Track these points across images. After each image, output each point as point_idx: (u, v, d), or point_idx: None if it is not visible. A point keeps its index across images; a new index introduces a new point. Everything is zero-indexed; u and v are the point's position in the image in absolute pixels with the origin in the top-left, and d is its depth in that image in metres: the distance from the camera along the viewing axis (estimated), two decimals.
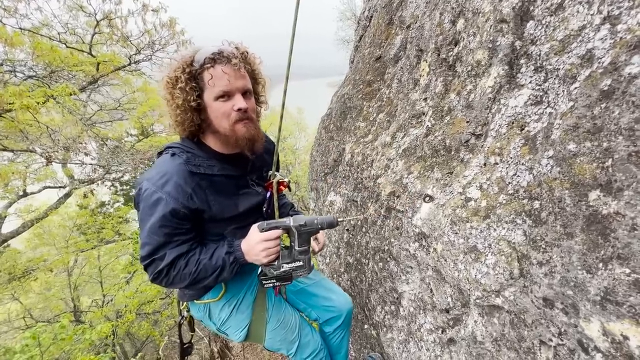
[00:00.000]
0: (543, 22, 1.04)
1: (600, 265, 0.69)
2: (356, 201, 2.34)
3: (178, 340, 1.48)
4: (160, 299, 8.06)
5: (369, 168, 2.15)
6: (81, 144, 5.61)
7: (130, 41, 5.15)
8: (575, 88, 0.84)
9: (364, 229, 2.13)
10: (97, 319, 7.26)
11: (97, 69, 5.06)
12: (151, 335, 8.20)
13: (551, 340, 0.82)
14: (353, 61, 3.78)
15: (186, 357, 1.48)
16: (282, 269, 1.14)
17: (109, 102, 7.82)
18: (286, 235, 1.16)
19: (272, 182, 1.36)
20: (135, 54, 5.46)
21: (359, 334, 2.36)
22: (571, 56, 0.89)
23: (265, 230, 1.09)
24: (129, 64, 5.57)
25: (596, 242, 0.70)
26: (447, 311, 1.24)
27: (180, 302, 1.41)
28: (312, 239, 1.30)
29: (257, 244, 1.08)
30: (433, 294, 1.34)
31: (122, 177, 9.30)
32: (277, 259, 1.14)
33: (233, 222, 1.19)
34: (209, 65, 1.04)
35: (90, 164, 6.40)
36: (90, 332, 4.90)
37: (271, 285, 1.17)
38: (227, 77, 1.04)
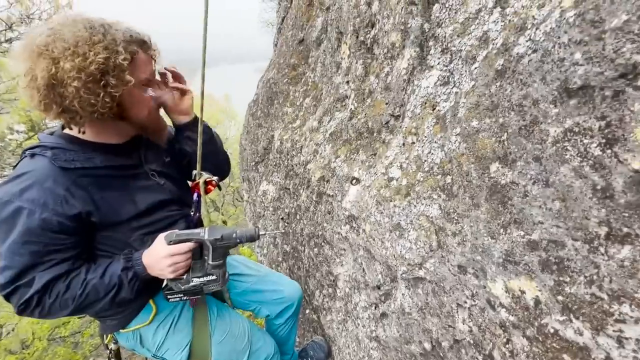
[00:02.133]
0: (447, 5, 1.09)
1: (502, 230, 0.76)
2: (289, 189, 2.30)
3: None
4: (78, 317, 7.06)
5: (299, 154, 2.11)
6: None
7: None
8: (475, 68, 0.89)
9: (297, 216, 2.11)
10: None
11: None
12: (72, 359, 7.19)
13: (466, 302, 0.89)
14: (277, 44, 3.65)
15: None
16: (191, 283, 1.02)
17: None
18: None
19: (199, 182, 1.17)
20: (5, 31, 4.34)
21: (301, 320, 2.37)
22: (471, 38, 0.94)
23: (174, 243, 0.95)
24: None
25: (497, 210, 0.77)
26: (379, 287, 1.29)
27: (104, 336, 1.19)
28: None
29: (163, 258, 0.94)
30: (365, 273, 1.38)
31: None
32: (186, 273, 1.02)
33: (138, 226, 1.01)
34: (135, 49, 0.93)
35: None
36: None
37: (177, 299, 1.06)
38: (150, 64, 1.00)
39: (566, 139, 0.63)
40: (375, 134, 1.43)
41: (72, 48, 0.82)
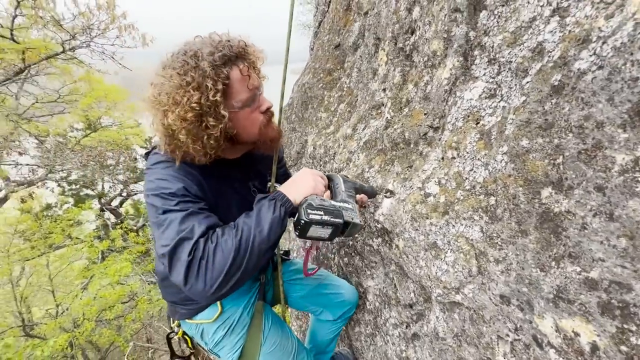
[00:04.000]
0: (495, 12, 1.02)
1: (553, 263, 0.69)
2: None
3: (169, 354, 1.37)
4: (122, 302, 7.63)
5: (332, 161, 2.10)
6: (14, 142, 4.96)
7: (61, 25, 4.53)
8: (527, 82, 0.82)
9: None
10: (51, 331, 6.72)
11: (23, 58, 4.41)
12: (115, 341, 7.78)
13: (508, 335, 0.83)
14: (313, 48, 3.67)
15: None
16: (332, 202, 0.98)
17: (47, 92, 7.00)
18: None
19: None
20: (69, 40, 4.84)
21: None
22: (522, 49, 0.87)
23: None
24: (63, 52, 4.94)
25: (549, 240, 0.70)
26: (411, 306, 1.24)
27: (171, 320, 1.29)
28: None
29: (306, 175, 1.00)
30: (397, 289, 1.34)
31: (69, 176, 8.52)
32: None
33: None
34: (226, 73, 0.88)
35: (27, 165, 5.72)
36: (41, 347, 4.50)
37: (318, 217, 0.90)
38: (246, 79, 0.93)
39: (637, 169, 0.55)
40: (412, 146, 1.38)
41: (173, 97, 0.85)
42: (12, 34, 4.24)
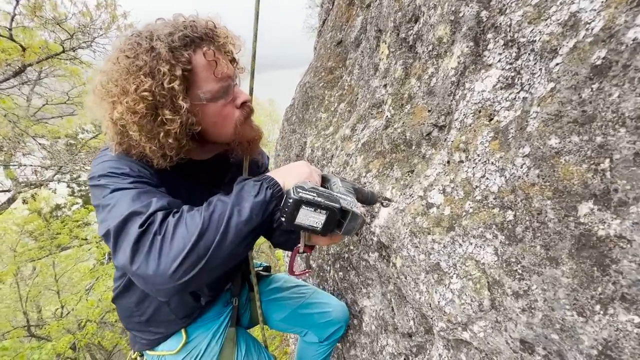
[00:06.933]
0: None
1: (598, 307, 0.50)
2: None
3: None
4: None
5: (329, 164, 1.93)
6: (18, 143, 4.97)
7: (59, 24, 4.49)
8: (557, 64, 0.64)
9: None
10: (55, 332, 6.71)
11: (21, 57, 4.37)
12: (119, 344, 7.74)
13: None
14: (316, 47, 3.53)
15: None
16: (329, 190, 0.81)
17: (57, 95, 7.07)
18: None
19: None
20: (69, 39, 4.81)
21: None
22: (550, 24, 0.69)
23: None
24: (63, 51, 4.91)
25: (591, 274, 0.51)
26: (410, 336, 1.05)
27: (132, 352, 1.14)
28: None
29: (302, 163, 0.81)
30: (394, 314, 1.15)
31: (79, 177, 8.60)
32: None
33: None
34: (187, 56, 0.72)
35: (31, 166, 5.74)
36: (40, 351, 4.44)
37: (311, 197, 0.72)
38: (221, 65, 0.77)
39: None
40: (413, 147, 1.20)
41: (121, 85, 0.71)
42: (10, 34, 4.23)
